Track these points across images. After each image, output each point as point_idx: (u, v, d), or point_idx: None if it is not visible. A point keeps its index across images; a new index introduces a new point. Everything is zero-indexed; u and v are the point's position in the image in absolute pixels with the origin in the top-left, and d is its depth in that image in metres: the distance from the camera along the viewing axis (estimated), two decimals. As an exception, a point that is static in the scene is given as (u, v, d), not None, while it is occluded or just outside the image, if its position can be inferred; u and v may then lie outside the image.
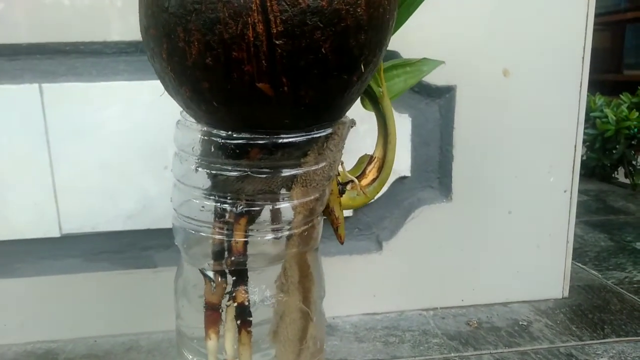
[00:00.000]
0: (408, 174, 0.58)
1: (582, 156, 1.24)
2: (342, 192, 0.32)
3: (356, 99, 0.30)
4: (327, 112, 0.28)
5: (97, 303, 0.55)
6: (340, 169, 0.32)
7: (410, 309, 0.61)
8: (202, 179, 0.28)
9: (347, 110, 0.30)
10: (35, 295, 0.54)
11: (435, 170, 0.59)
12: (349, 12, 0.24)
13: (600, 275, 0.70)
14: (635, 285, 0.67)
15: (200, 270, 0.30)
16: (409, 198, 0.59)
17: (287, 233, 0.29)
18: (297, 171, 0.27)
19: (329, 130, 0.28)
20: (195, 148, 0.28)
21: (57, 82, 0.50)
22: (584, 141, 1.23)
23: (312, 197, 0.28)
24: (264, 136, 0.27)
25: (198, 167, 0.28)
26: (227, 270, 0.29)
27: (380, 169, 0.34)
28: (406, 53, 0.53)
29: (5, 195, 0.51)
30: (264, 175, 0.27)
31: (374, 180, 0.34)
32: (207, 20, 0.23)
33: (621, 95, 1.20)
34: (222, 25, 0.23)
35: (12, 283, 0.53)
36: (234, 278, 0.29)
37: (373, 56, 0.26)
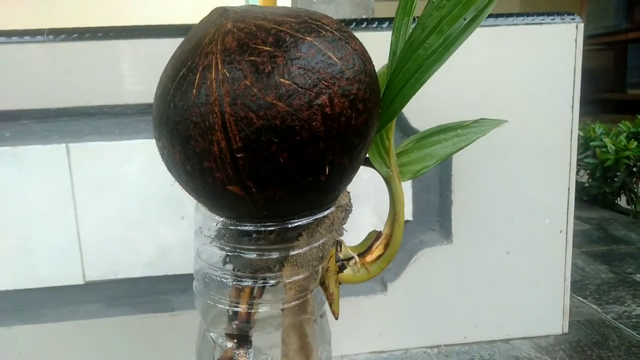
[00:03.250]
0: (410, 218, 0.62)
1: (584, 184, 1.27)
2: (342, 268, 0.34)
3: (339, 188, 0.32)
4: (303, 205, 0.30)
5: (118, 346, 0.58)
6: (343, 245, 0.34)
7: (415, 347, 0.63)
8: (216, 255, 0.32)
9: (329, 199, 0.32)
10: (60, 339, 0.57)
11: (436, 214, 0.62)
12: (304, 127, 0.26)
13: (600, 310, 0.72)
14: (633, 320, 0.69)
15: (207, 332, 0.33)
16: (411, 241, 0.62)
17: (281, 306, 0.32)
18: (287, 252, 0.31)
19: (310, 219, 0.31)
20: (206, 229, 0.32)
21: (82, 141, 0.55)
22: (585, 169, 1.26)
23: (303, 276, 0.31)
24: (250, 225, 0.31)
25: (211, 243, 0.32)
26: (232, 334, 0.32)
27: (386, 246, 0.35)
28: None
29: (33, 246, 0.55)
30: (257, 257, 0.31)
31: (379, 257, 0.35)
32: (184, 136, 0.28)
33: (620, 124, 1.22)
34: (194, 142, 0.27)
35: (38, 328, 0.57)
36: (235, 341, 0.32)
37: (341, 158, 0.29)
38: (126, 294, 0.58)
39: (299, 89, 0.26)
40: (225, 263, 0.32)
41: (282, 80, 0.26)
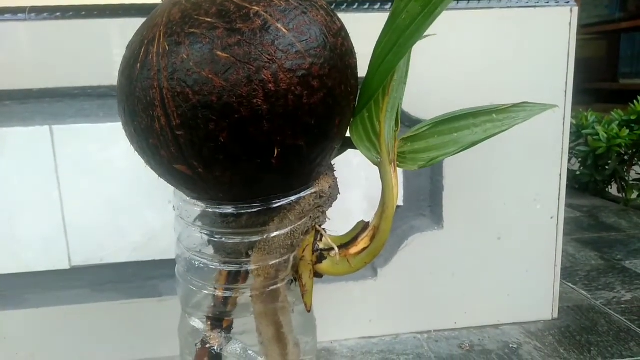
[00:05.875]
0: (401, 203, 0.61)
1: (576, 172, 1.27)
2: (320, 259, 0.31)
3: (304, 172, 0.29)
4: (260, 188, 0.28)
5: (105, 331, 0.57)
6: (324, 234, 0.32)
7: (405, 333, 0.63)
8: (194, 238, 0.31)
9: (297, 184, 0.30)
10: (45, 324, 0.56)
11: (427, 200, 0.62)
12: (242, 104, 0.24)
13: (589, 296, 0.72)
14: (622, 306, 0.69)
15: (186, 315, 0.33)
16: (402, 226, 0.62)
17: (248, 293, 0.31)
18: (256, 237, 0.29)
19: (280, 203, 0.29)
20: (177, 209, 0.31)
21: (66, 123, 0.53)
22: (577, 157, 1.26)
23: (270, 263, 0.30)
24: (209, 207, 0.29)
25: (189, 227, 0.31)
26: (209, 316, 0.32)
27: (373, 239, 0.32)
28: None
29: (18, 230, 0.54)
30: (229, 240, 0.30)
31: (364, 249, 0.32)
32: (131, 113, 0.27)
33: (612, 112, 1.22)
34: (139, 118, 0.26)
35: (23, 313, 0.56)
36: (209, 323, 0.31)
37: (294, 139, 0.26)
38: (112, 279, 0.57)
39: (237, 63, 0.24)
40: (207, 246, 0.31)
41: (219, 53, 0.24)
